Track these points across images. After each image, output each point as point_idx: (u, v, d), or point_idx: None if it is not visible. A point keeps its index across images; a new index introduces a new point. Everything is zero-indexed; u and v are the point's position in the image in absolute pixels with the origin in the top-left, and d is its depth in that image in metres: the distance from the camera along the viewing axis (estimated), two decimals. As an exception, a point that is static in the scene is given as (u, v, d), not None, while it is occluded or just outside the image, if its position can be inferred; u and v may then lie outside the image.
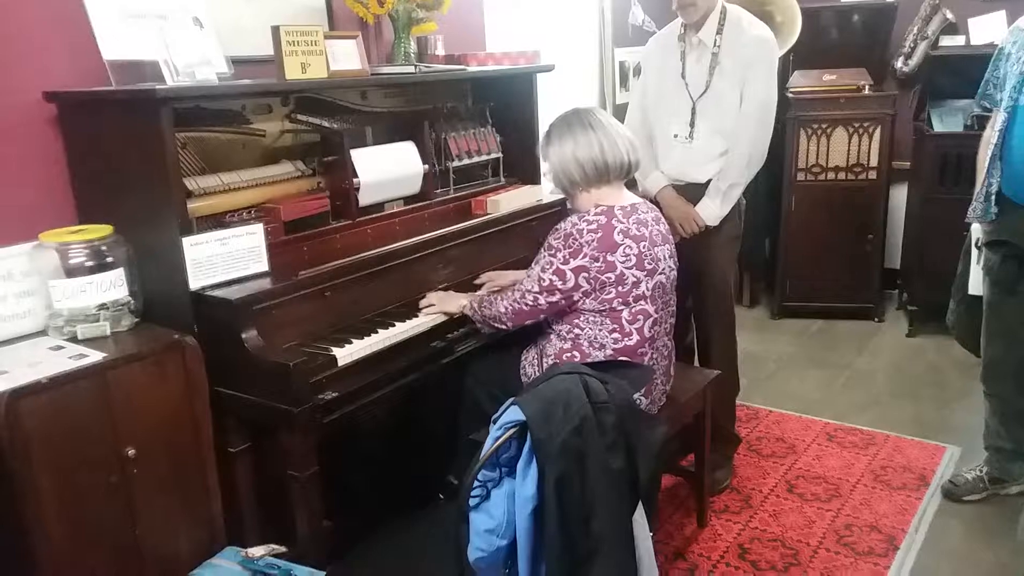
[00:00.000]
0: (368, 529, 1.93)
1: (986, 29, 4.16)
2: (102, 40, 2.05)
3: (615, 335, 2.18)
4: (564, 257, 2.13)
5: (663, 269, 2.21)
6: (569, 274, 2.13)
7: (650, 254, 2.16)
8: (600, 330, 2.18)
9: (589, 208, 2.19)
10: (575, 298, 2.16)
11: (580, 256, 2.11)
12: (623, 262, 2.12)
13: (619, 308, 2.15)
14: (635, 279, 2.14)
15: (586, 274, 2.12)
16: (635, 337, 2.18)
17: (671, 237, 2.30)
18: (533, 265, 2.22)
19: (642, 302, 2.17)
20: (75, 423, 1.74)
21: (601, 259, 2.11)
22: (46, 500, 1.70)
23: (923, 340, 4.23)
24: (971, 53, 4.03)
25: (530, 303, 2.20)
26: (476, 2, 3.39)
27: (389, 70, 2.60)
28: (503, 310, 2.26)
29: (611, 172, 2.19)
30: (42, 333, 1.98)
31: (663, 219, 2.30)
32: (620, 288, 2.13)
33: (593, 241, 2.10)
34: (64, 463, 1.73)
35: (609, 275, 2.12)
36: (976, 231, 2.72)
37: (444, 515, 1.77)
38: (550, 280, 2.15)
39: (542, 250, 2.21)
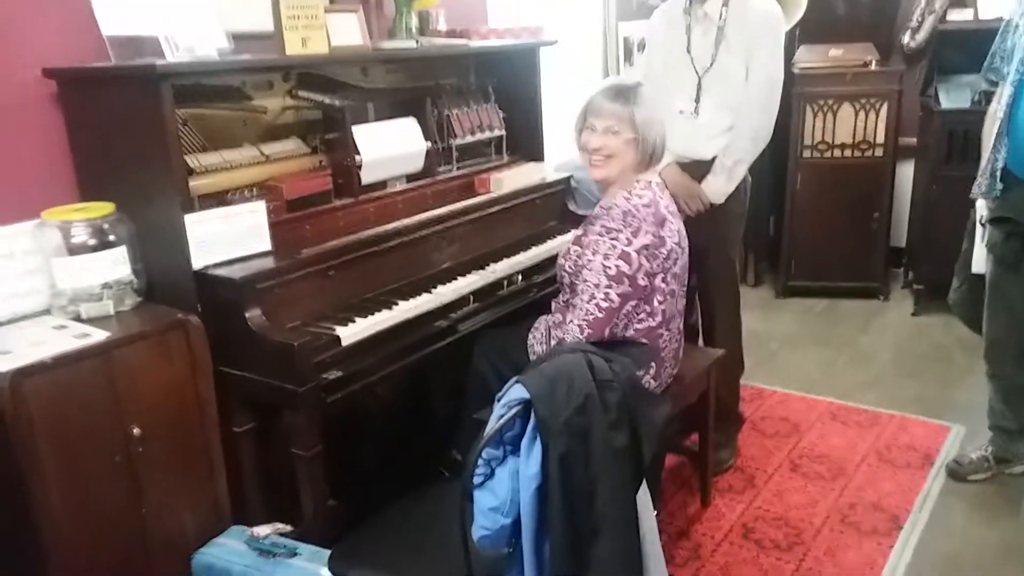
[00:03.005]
0: (373, 507, 1.93)
1: (995, 3, 4.08)
2: (101, 16, 2.04)
3: (641, 315, 2.12)
4: (627, 238, 2.03)
5: (686, 247, 2.19)
6: (634, 255, 2.02)
7: (681, 230, 2.14)
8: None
9: (631, 183, 2.13)
10: (640, 282, 2.05)
11: (641, 234, 2.03)
12: (670, 237, 2.07)
13: (659, 286, 2.10)
14: (676, 255, 2.10)
15: (647, 252, 2.04)
16: (658, 317, 2.14)
17: None
18: (591, 256, 2.07)
19: (673, 281, 2.13)
20: (79, 402, 1.74)
21: (656, 234, 2.05)
22: (51, 480, 1.70)
23: (929, 319, 4.21)
24: (979, 27, 3.97)
25: (604, 306, 2.03)
26: (478, -24, 3.36)
27: (390, 45, 2.57)
28: (577, 333, 2.04)
29: (656, 158, 2.16)
30: (45, 312, 1.97)
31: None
32: (666, 263, 2.08)
33: (648, 216, 2.04)
34: (69, 443, 1.73)
35: (663, 250, 2.06)
36: (981, 208, 2.69)
37: (449, 493, 1.77)
38: (616, 267, 2.02)
39: (594, 236, 2.08)
